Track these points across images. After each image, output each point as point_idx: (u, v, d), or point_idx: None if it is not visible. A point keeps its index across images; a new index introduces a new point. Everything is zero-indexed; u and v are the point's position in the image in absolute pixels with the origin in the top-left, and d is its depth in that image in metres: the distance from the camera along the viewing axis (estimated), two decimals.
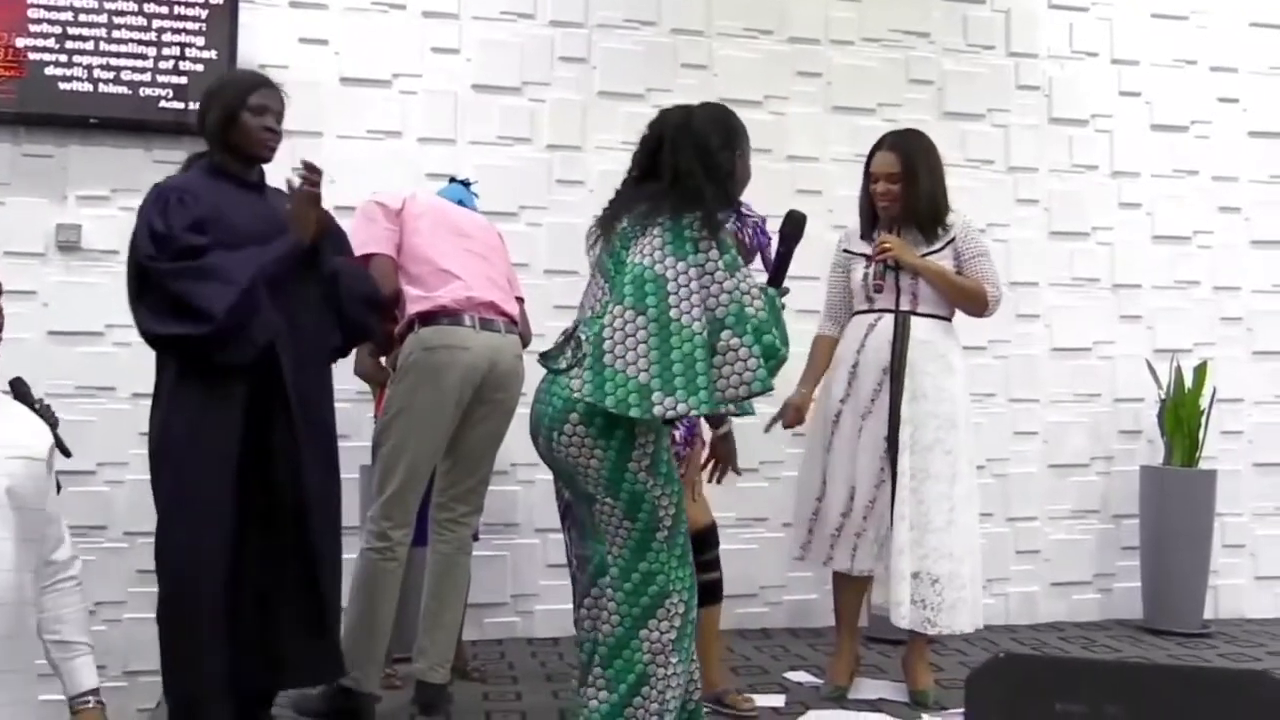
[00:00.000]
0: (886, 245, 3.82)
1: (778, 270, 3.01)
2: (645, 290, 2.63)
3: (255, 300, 2.98)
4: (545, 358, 2.87)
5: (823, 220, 4.96)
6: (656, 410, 2.59)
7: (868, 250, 3.92)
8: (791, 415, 3.96)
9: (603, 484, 2.73)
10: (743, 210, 3.56)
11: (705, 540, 3.72)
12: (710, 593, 3.73)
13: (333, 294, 3.23)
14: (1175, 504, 5.10)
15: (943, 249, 3.89)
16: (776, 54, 5.20)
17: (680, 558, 2.79)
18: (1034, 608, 5.30)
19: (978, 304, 3.91)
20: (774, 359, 2.68)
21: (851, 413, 3.87)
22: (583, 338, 2.74)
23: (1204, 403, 5.16)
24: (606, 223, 2.88)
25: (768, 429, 4.00)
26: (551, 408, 2.76)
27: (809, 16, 5.24)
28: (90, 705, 2.48)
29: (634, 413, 2.60)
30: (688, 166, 2.82)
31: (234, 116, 3.16)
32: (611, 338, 2.63)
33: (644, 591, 2.72)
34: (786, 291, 3.01)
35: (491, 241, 3.88)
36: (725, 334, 2.63)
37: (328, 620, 3.15)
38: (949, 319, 3.94)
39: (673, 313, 2.61)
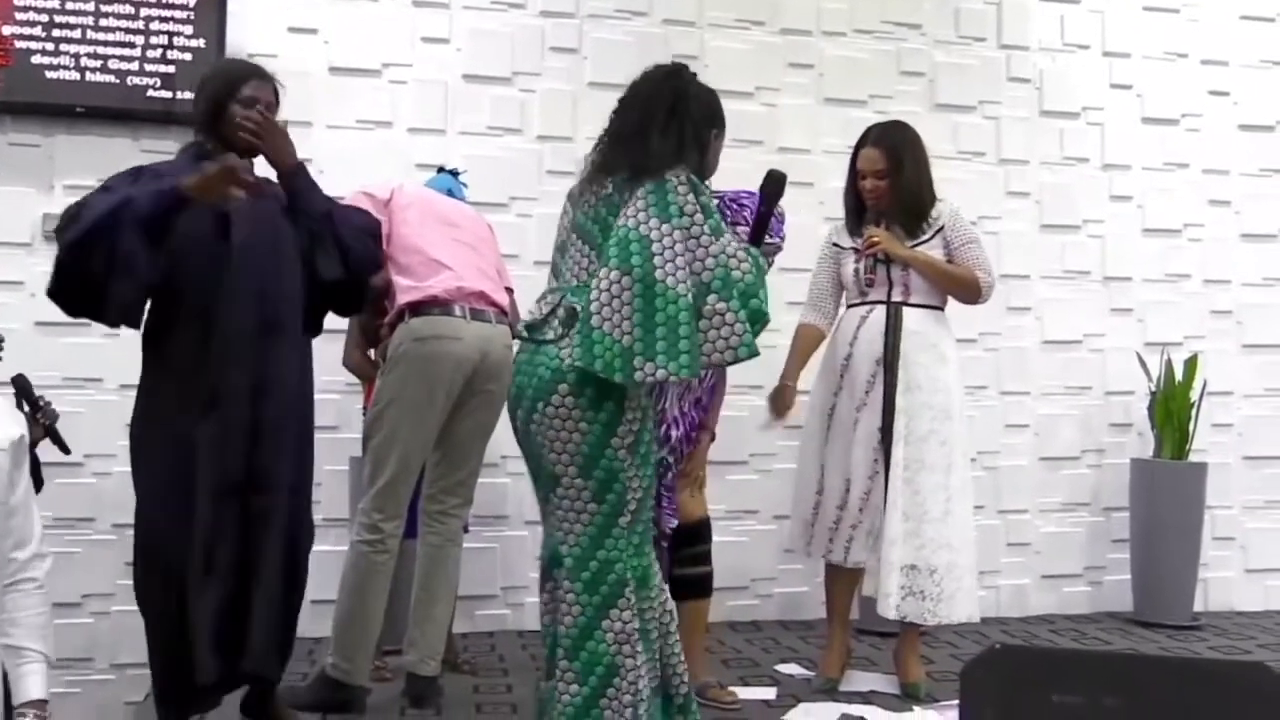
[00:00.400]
0: (875, 239, 3.82)
1: (758, 228, 2.97)
2: (630, 250, 2.59)
3: (108, 237, 2.84)
4: (530, 329, 2.81)
5: (814, 213, 4.96)
6: (637, 376, 2.55)
7: (857, 245, 3.92)
8: (775, 408, 3.93)
9: (579, 460, 2.67)
10: (726, 195, 3.55)
11: (698, 534, 3.71)
12: (700, 587, 3.73)
13: (327, 230, 3.18)
14: (1165, 497, 5.11)
15: (931, 238, 3.89)
16: (768, 45, 5.18)
17: (637, 547, 2.75)
18: (1024, 600, 5.30)
19: (970, 291, 3.91)
20: (760, 323, 2.65)
21: (847, 405, 3.87)
22: (577, 306, 2.68)
23: (1194, 396, 5.17)
24: (588, 186, 2.82)
25: (764, 428, 3.99)
26: (538, 378, 2.69)
27: (801, 8, 5.22)
28: (26, 718, 2.30)
29: (617, 377, 2.56)
30: (654, 122, 2.78)
31: (223, 107, 3.14)
32: (599, 299, 2.59)
33: (603, 580, 2.68)
34: (778, 249, 2.95)
35: (480, 232, 3.86)
36: (711, 298, 2.60)
37: (270, 614, 3.09)
38: (941, 309, 3.93)
39: (658, 274, 2.57)
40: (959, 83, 5.37)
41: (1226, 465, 5.49)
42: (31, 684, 2.31)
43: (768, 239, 3.08)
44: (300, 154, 4.33)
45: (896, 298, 3.85)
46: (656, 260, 2.57)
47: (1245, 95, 5.67)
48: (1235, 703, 1.80)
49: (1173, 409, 5.15)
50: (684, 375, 2.59)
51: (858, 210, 3.96)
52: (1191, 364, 5.22)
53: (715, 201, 2.82)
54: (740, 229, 3.37)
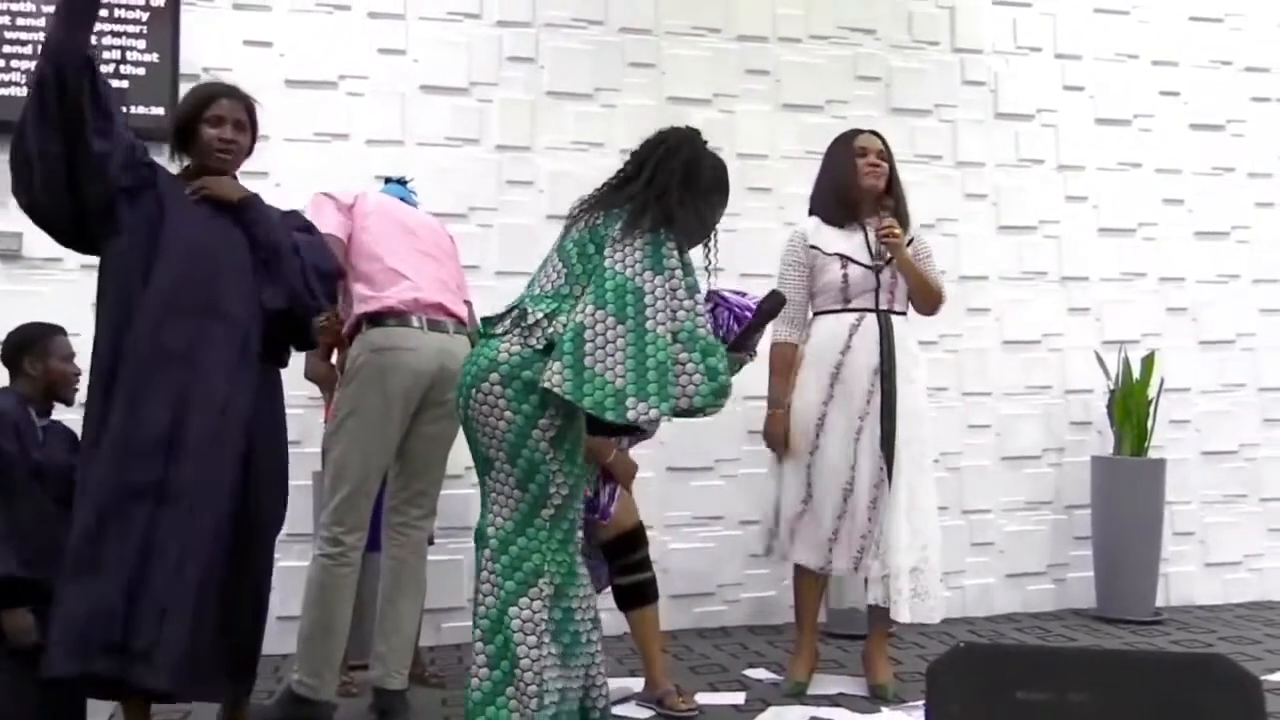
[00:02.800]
0: (896, 230, 3.79)
1: (743, 338, 3.06)
2: (626, 301, 2.74)
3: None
4: (485, 323, 2.92)
5: (773, 217, 4.99)
6: (630, 415, 2.68)
7: (839, 248, 3.89)
8: (777, 440, 3.90)
9: (505, 447, 2.77)
10: (724, 295, 3.53)
11: (633, 542, 3.72)
12: (641, 594, 3.74)
13: (274, 262, 3.16)
14: (1126, 493, 5.16)
15: (906, 245, 3.92)
16: (725, 52, 5.21)
17: (562, 543, 2.82)
18: (990, 599, 5.34)
19: (936, 303, 3.99)
20: (715, 381, 2.79)
21: (843, 415, 3.83)
22: (529, 310, 2.82)
23: (1152, 393, 5.22)
24: (584, 213, 2.93)
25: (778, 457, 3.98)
26: (476, 366, 2.82)
27: (756, 14, 5.25)
28: None
29: (610, 416, 2.68)
30: (667, 174, 2.92)
31: (192, 127, 3.16)
32: (593, 341, 2.72)
33: (519, 566, 2.75)
34: (753, 357, 3.12)
35: (441, 242, 3.85)
36: (675, 347, 2.77)
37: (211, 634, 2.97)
38: (906, 314, 3.98)
39: (649, 324, 2.74)
40: (914, 87, 5.41)
41: (1185, 461, 5.55)
42: None
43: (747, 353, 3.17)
44: (257, 167, 4.32)
45: (883, 305, 3.87)
46: (648, 311, 2.75)
47: (1195, 95, 5.75)
48: (1197, 694, 1.82)
49: (1131, 406, 5.20)
50: (670, 415, 2.74)
51: (846, 204, 3.92)
52: (1149, 361, 5.28)
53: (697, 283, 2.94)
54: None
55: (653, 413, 2.69)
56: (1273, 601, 5.59)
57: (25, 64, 4.35)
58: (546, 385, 2.69)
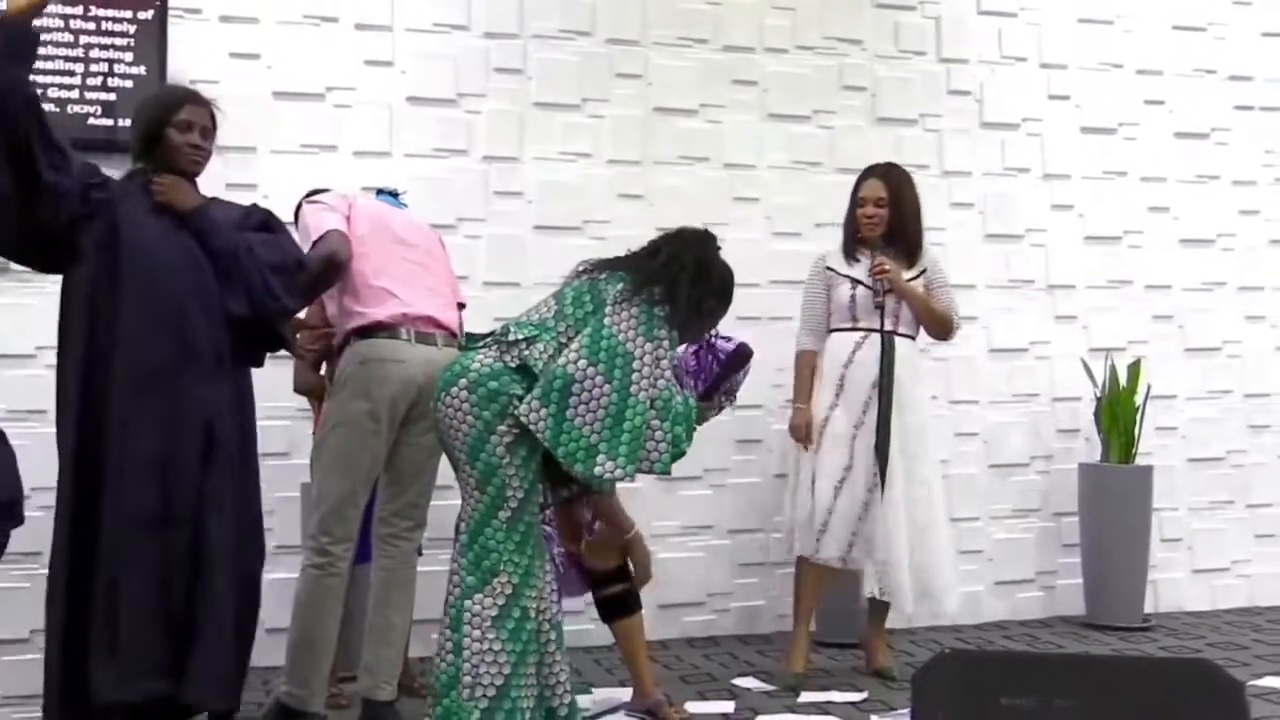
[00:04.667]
0: (886, 267, 4.07)
1: (711, 387, 3.30)
2: (615, 364, 2.98)
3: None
4: (469, 339, 3.23)
5: (760, 228, 5.00)
6: (597, 470, 2.92)
7: (851, 272, 4.17)
8: (805, 435, 4.19)
9: (466, 449, 3.00)
10: (716, 340, 3.56)
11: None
12: (624, 603, 3.76)
13: (233, 268, 3.18)
14: (1113, 500, 5.18)
15: (917, 277, 4.18)
16: (712, 62, 5.22)
17: (519, 545, 2.99)
18: (978, 607, 5.34)
19: (945, 329, 4.26)
20: (677, 449, 3.07)
21: (845, 422, 4.14)
22: (510, 329, 3.08)
23: (1139, 400, 5.24)
24: (588, 272, 3.18)
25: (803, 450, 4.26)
26: (450, 373, 3.04)
27: (743, 25, 5.26)
28: None
29: (578, 469, 2.92)
30: (679, 265, 3.14)
31: (160, 132, 3.19)
32: (579, 395, 2.93)
33: (479, 564, 2.96)
34: (726, 406, 3.50)
35: (432, 249, 3.83)
36: (650, 413, 3.00)
37: (212, 637, 3.11)
38: (915, 338, 4.25)
39: (633, 389, 2.97)
40: (900, 96, 5.43)
41: (1172, 468, 5.57)
42: None
43: (724, 396, 3.51)
44: (244, 179, 4.33)
45: (889, 327, 4.13)
46: (634, 375, 2.98)
47: (1180, 103, 5.78)
48: (1182, 700, 1.83)
49: (1118, 414, 5.22)
50: (631, 475, 2.98)
51: (855, 238, 4.24)
52: (1135, 369, 5.30)
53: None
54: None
55: (618, 473, 2.94)
56: (1260, 607, 5.61)
57: None
58: (525, 422, 2.91)
